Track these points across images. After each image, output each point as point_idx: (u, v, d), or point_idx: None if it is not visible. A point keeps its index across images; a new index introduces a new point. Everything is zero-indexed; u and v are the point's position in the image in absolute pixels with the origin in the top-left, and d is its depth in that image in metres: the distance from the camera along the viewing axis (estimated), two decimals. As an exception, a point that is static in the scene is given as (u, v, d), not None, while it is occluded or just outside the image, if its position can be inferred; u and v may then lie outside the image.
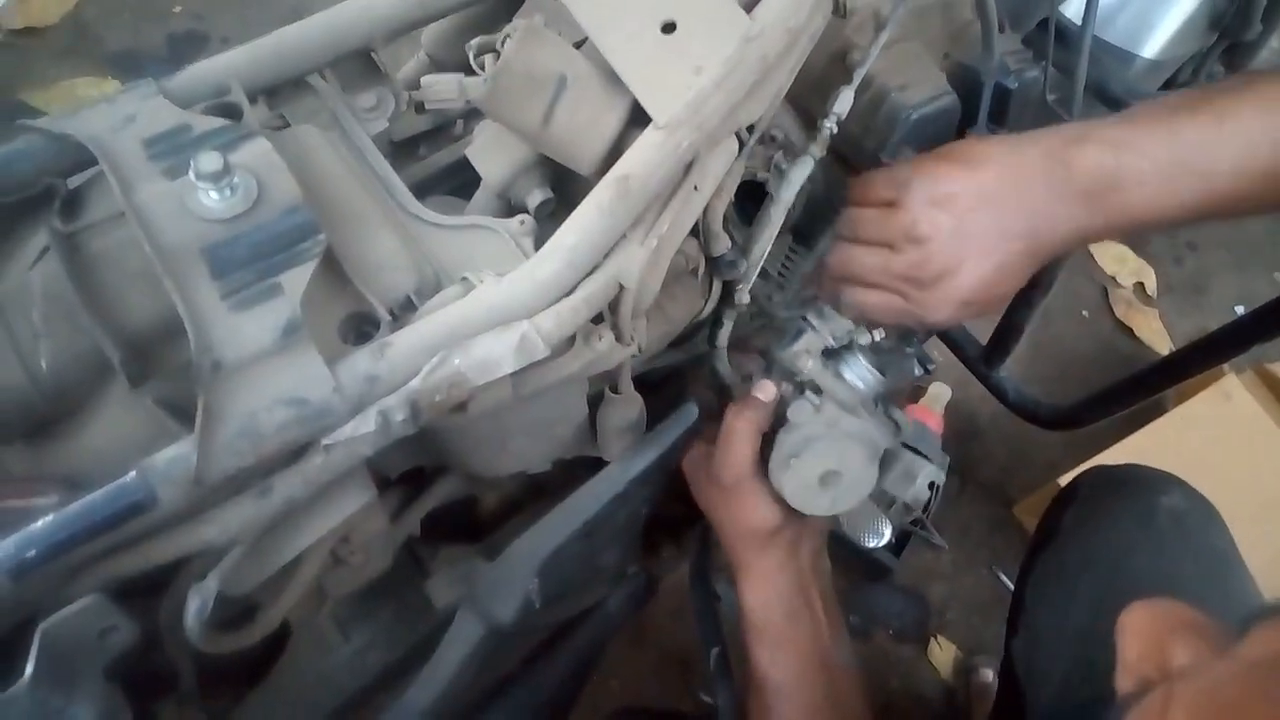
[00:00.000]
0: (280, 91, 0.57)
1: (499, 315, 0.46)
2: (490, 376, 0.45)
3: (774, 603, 0.68)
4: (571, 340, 0.51)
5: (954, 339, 1.12)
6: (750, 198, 0.69)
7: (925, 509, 1.40)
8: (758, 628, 0.69)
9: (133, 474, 0.41)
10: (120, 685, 0.48)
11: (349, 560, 0.54)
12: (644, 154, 0.48)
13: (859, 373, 0.69)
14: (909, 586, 1.42)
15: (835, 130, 0.60)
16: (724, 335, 0.69)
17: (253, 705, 0.77)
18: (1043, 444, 1.53)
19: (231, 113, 0.53)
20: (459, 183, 0.65)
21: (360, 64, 0.58)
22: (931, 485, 0.69)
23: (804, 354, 0.67)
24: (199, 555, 0.44)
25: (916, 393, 1.61)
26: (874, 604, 1.40)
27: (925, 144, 0.68)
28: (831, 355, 0.69)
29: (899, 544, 1.39)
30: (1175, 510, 0.88)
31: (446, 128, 0.67)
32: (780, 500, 0.66)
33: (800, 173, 0.60)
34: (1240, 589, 0.88)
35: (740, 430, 0.66)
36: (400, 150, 0.65)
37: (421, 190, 0.65)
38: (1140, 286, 1.75)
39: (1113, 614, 0.92)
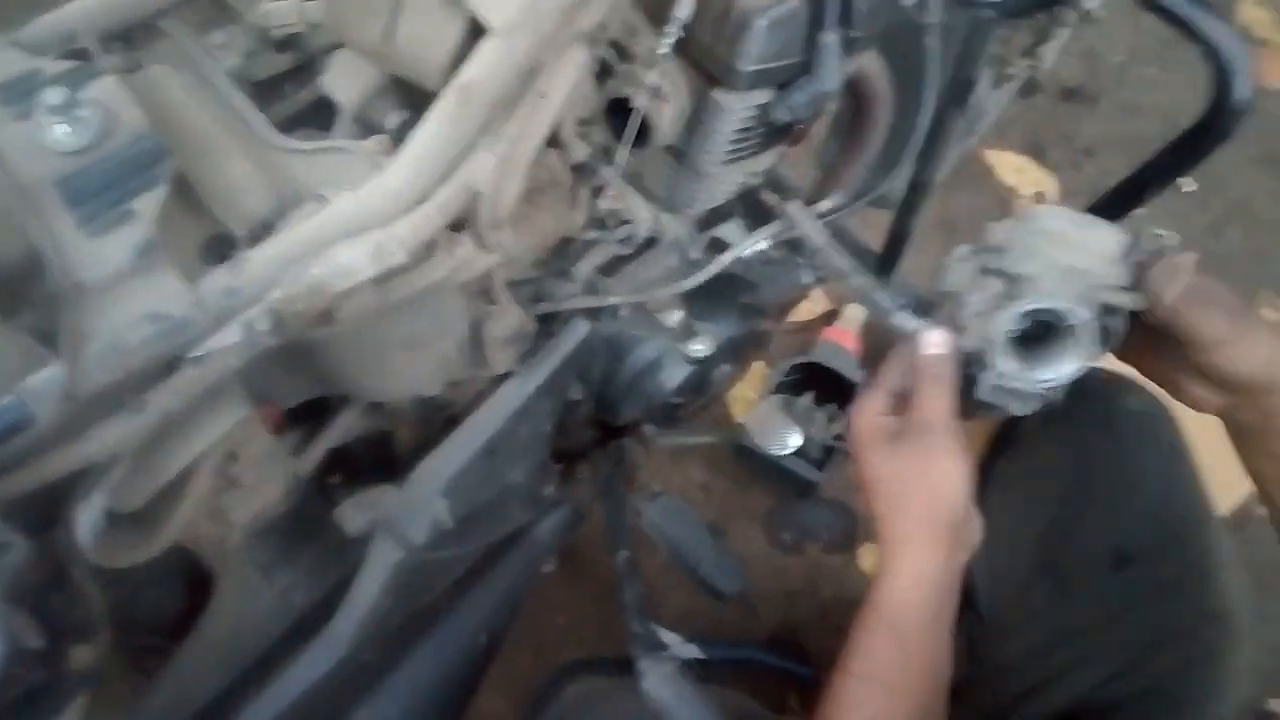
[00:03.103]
0: (134, 37, 0.59)
1: (354, 226, 0.49)
2: (348, 283, 0.48)
3: (921, 606, 0.63)
4: (433, 248, 0.53)
5: (848, 250, 1.17)
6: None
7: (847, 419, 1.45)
8: (890, 619, 0.63)
9: (9, 396, 0.43)
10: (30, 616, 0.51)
11: (242, 481, 0.56)
12: (483, 61, 0.51)
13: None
14: (835, 500, 1.48)
15: (679, 34, 0.62)
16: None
17: (183, 656, 0.79)
18: (956, 354, 1.58)
19: (83, 59, 0.54)
20: (326, 119, 0.66)
21: (210, 4, 0.60)
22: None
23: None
24: (85, 473, 0.46)
25: (831, 315, 1.65)
26: (803, 519, 1.45)
27: (777, 51, 0.71)
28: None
29: (822, 460, 1.44)
30: (1134, 411, 0.91)
31: (310, 65, 0.68)
32: (968, 492, 0.63)
33: (647, 79, 0.62)
34: (1194, 485, 0.94)
35: (941, 373, 0.63)
36: (264, 89, 0.66)
37: (288, 128, 0.66)
38: (1040, 195, 1.81)
39: (1075, 514, 0.96)
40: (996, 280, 0.64)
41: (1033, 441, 1.03)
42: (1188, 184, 1.90)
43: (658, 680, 0.65)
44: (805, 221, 0.76)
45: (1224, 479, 1.20)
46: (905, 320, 0.70)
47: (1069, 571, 0.95)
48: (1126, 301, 0.62)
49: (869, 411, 0.68)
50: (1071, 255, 0.62)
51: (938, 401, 0.63)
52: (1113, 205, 0.92)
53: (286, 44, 0.65)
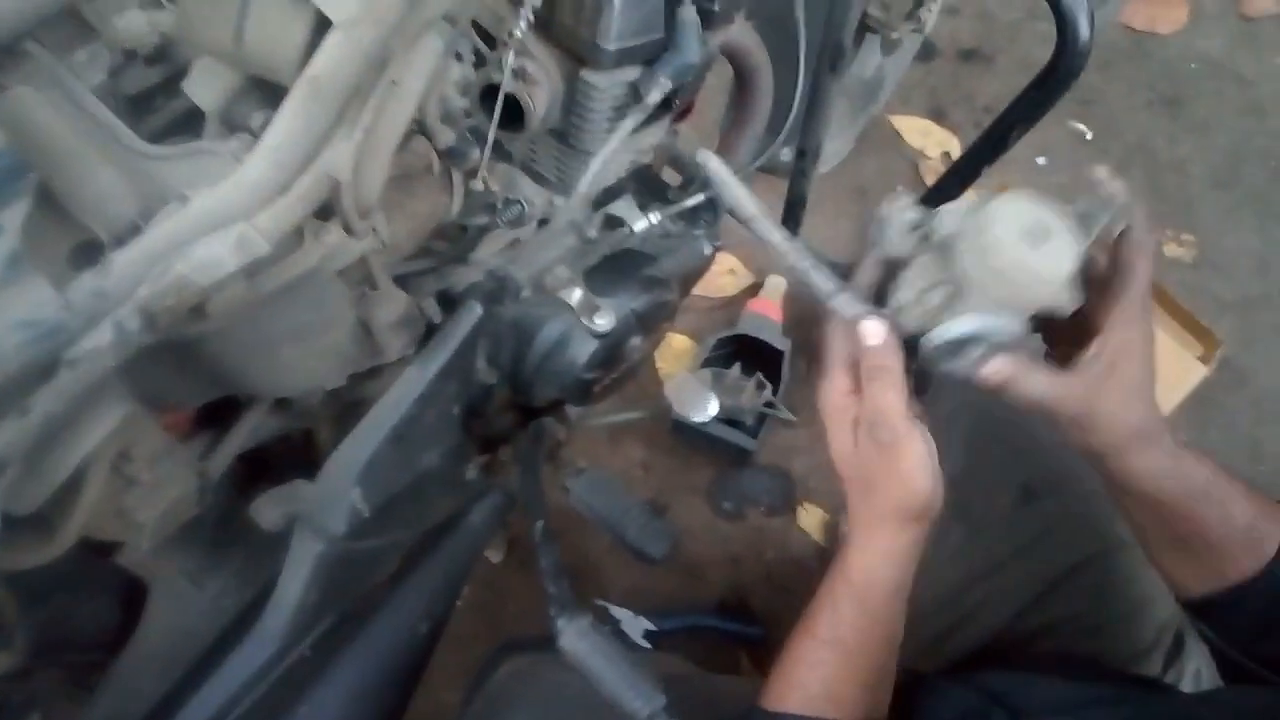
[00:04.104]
0: (-2, 62, 0.60)
1: (216, 220, 0.51)
2: (214, 275, 0.50)
3: (889, 580, 0.67)
4: (301, 237, 0.55)
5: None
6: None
7: (775, 390, 1.49)
8: (859, 590, 0.67)
9: (-111, 411, 0.45)
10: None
11: (140, 479, 0.58)
12: (329, 53, 0.53)
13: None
14: (772, 465, 1.52)
15: (530, 19, 0.65)
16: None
17: (120, 668, 0.81)
18: (878, 314, 1.64)
19: (-61, 85, 0.55)
20: (201, 127, 0.68)
21: (70, 24, 0.61)
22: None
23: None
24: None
25: (755, 288, 1.69)
26: (742, 486, 1.49)
27: (638, 28, 0.74)
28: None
29: (756, 428, 1.48)
30: (1036, 352, 0.96)
31: (179, 77, 0.70)
32: (937, 472, 0.64)
33: (512, 63, 0.65)
34: None
35: (885, 364, 0.63)
36: (136, 103, 0.68)
37: (162, 137, 0.68)
38: (946, 155, 1.87)
39: (983, 456, 1.00)
40: (939, 275, 0.61)
41: (942, 388, 1.07)
42: (1086, 132, 1.97)
43: (573, 635, 0.68)
44: (731, 186, 0.78)
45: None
46: (844, 305, 0.67)
47: (980, 514, 0.99)
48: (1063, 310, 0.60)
49: (834, 392, 0.68)
50: (1017, 275, 0.58)
51: (888, 394, 0.63)
52: (983, 151, 0.96)
53: (156, 57, 0.67)
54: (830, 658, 0.67)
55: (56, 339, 0.47)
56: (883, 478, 0.65)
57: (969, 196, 0.63)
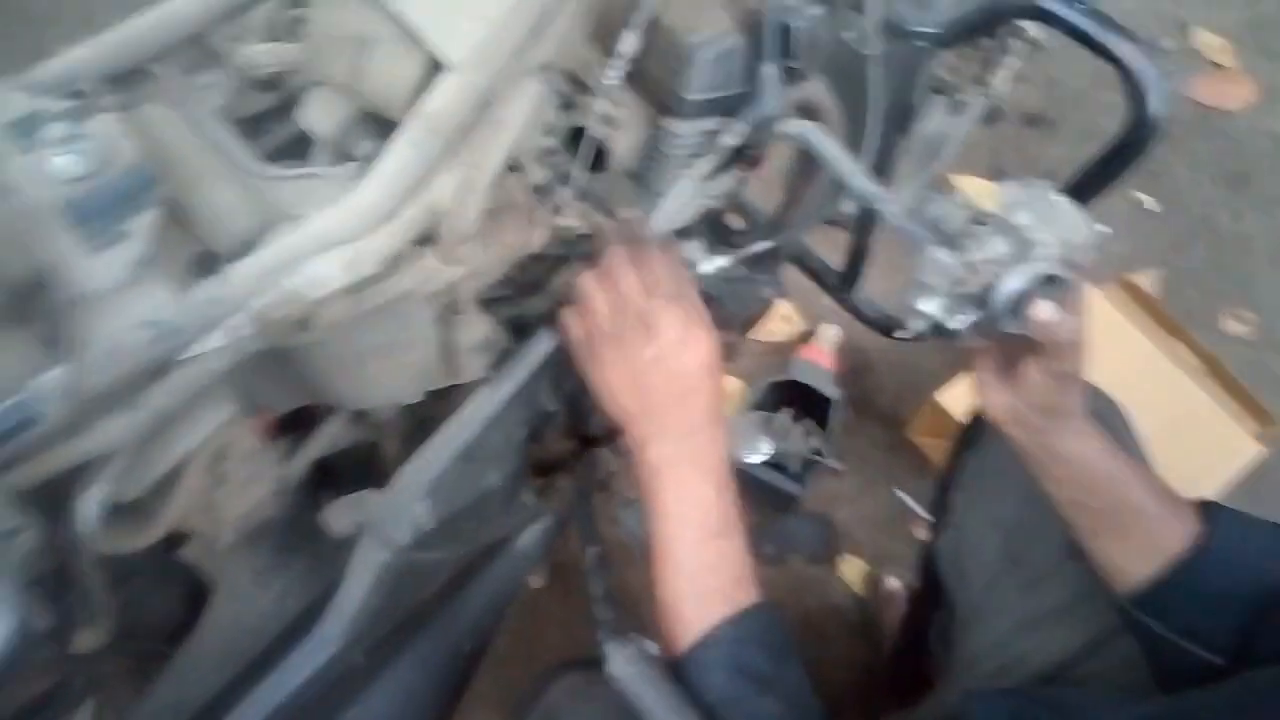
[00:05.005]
0: (128, 80, 0.65)
1: (328, 240, 0.55)
2: (322, 291, 0.53)
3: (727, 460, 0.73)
4: (401, 261, 0.59)
5: (813, 269, 1.22)
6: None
7: (823, 437, 1.49)
8: (721, 477, 0.72)
9: (20, 395, 0.48)
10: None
11: (231, 477, 0.61)
12: (443, 94, 0.57)
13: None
14: (816, 513, 1.52)
15: (624, 70, 0.69)
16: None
17: (181, 660, 0.84)
18: (929, 370, 1.64)
19: (80, 99, 0.60)
20: (306, 151, 0.72)
21: (196, 50, 0.66)
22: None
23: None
24: (87, 466, 0.52)
25: (807, 335, 1.71)
26: (785, 532, 1.50)
27: (721, 82, 0.78)
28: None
29: (801, 474, 1.49)
30: (1089, 409, 0.98)
31: (291, 103, 0.75)
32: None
33: (597, 107, 0.68)
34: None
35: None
36: (250, 125, 0.72)
37: (272, 159, 0.72)
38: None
39: (1038, 505, 1.01)
40: (1003, 237, 0.71)
41: (996, 439, 1.08)
42: (1151, 204, 1.97)
43: (621, 661, 0.69)
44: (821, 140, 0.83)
45: (1183, 474, 1.23)
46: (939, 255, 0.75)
47: (1033, 565, 0.99)
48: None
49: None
50: (1071, 233, 0.71)
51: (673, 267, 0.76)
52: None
53: (269, 84, 0.71)
54: (727, 546, 0.72)
55: (174, 340, 0.51)
56: (682, 331, 0.72)
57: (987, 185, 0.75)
